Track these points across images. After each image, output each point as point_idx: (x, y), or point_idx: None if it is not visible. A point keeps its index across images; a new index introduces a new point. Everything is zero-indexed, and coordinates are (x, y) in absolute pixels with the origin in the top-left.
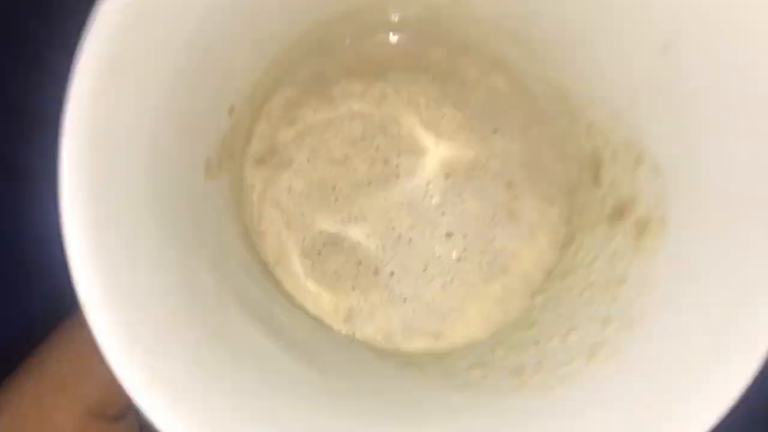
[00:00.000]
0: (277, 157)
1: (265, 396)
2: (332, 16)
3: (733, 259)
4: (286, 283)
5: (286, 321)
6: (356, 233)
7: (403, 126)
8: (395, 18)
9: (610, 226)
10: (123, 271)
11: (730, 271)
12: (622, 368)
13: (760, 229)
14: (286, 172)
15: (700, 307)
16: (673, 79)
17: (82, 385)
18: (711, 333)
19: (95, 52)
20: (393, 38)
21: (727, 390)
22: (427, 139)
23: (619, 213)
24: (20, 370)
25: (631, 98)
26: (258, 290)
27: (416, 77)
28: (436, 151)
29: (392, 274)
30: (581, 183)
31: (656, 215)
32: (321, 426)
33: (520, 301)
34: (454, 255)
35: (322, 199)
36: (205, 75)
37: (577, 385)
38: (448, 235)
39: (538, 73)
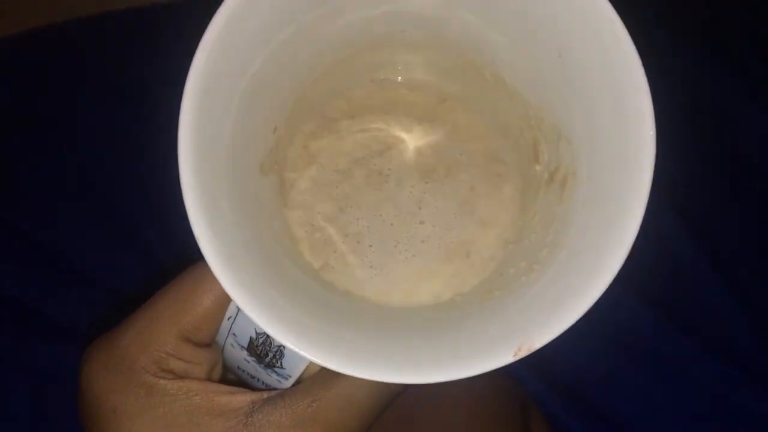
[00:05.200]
0: (302, 163)
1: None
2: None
3: (610, 190)
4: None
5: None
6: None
7: (393, 147)
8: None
9: (546, 189)
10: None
11: (609, 198)
12: (547, 275)
13: (619, 171)
14: (306, 176)
15: (593, 225)
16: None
17: (177, 315)
18: (602, 236)
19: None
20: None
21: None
22: (412, 156)
23: (551, 178)
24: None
25: (544, 92)
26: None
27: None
28: (417, 164)
29: (370, 246)
30: (528, 167)
31: (570, 172)
32: None
33: (469, 278)
34: (420, 238)
35: (328, 193)
36: (257, 105)
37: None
38: (421, 222)
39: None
